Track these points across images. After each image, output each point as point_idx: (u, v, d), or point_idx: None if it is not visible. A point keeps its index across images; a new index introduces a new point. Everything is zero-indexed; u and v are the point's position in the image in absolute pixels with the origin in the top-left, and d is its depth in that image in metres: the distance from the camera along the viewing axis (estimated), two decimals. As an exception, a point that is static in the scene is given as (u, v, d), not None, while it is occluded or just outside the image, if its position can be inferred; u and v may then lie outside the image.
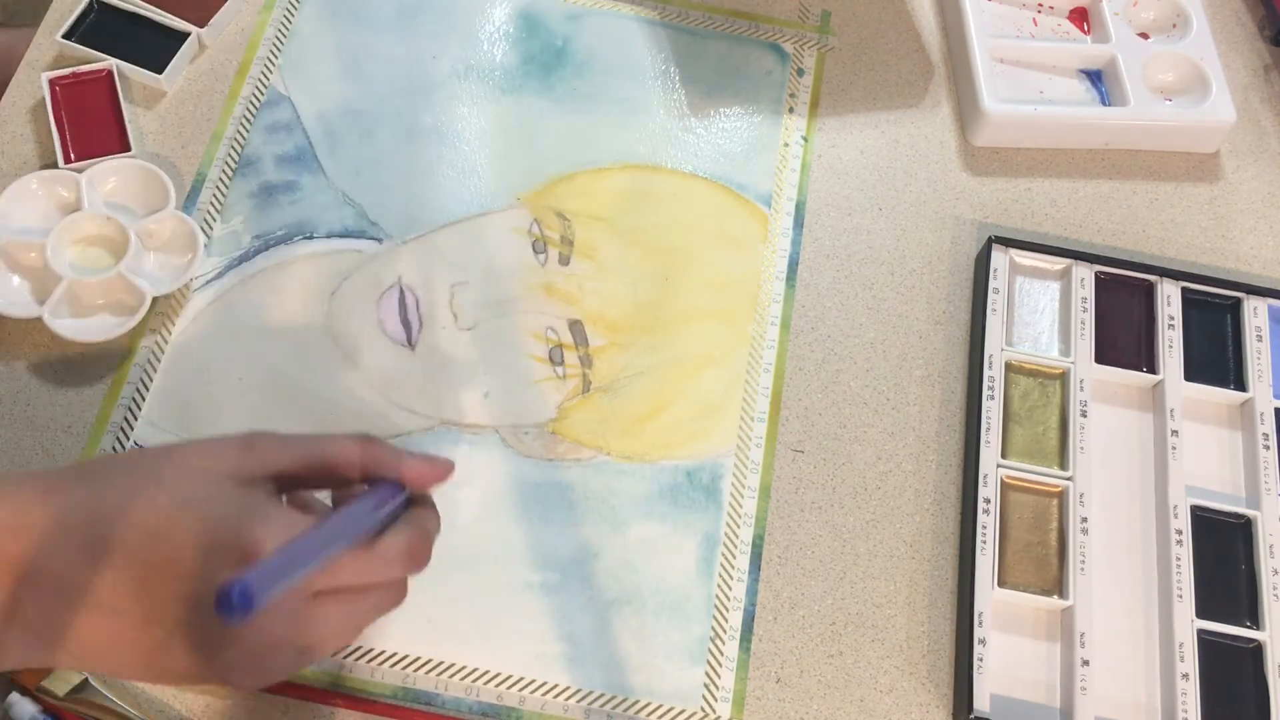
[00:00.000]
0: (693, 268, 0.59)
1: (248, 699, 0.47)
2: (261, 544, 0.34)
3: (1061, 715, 0.50)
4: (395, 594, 0.40)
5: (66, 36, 0.59)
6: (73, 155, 0.57)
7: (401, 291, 0.57)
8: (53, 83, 0.58)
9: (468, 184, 0.60)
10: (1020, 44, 0.66)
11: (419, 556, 0.39)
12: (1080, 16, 0.69)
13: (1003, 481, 0.54)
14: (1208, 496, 0.54)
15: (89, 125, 0.58)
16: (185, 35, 0.61)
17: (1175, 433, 0.55)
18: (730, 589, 0.51)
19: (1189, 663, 0.50)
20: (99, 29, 0.61)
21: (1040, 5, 0.69)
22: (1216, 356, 0.58)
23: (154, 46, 0.60)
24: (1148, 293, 0.59)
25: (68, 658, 0.35)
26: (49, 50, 0.61)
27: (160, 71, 0.60)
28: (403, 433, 0.53)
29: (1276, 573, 0.52)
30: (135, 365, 0.54)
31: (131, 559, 0.34)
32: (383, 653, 0.49)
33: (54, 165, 0.57)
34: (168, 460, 0.37)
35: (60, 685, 0.45)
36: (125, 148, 0.58)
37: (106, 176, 0.56)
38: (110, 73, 0.59)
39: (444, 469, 0.42)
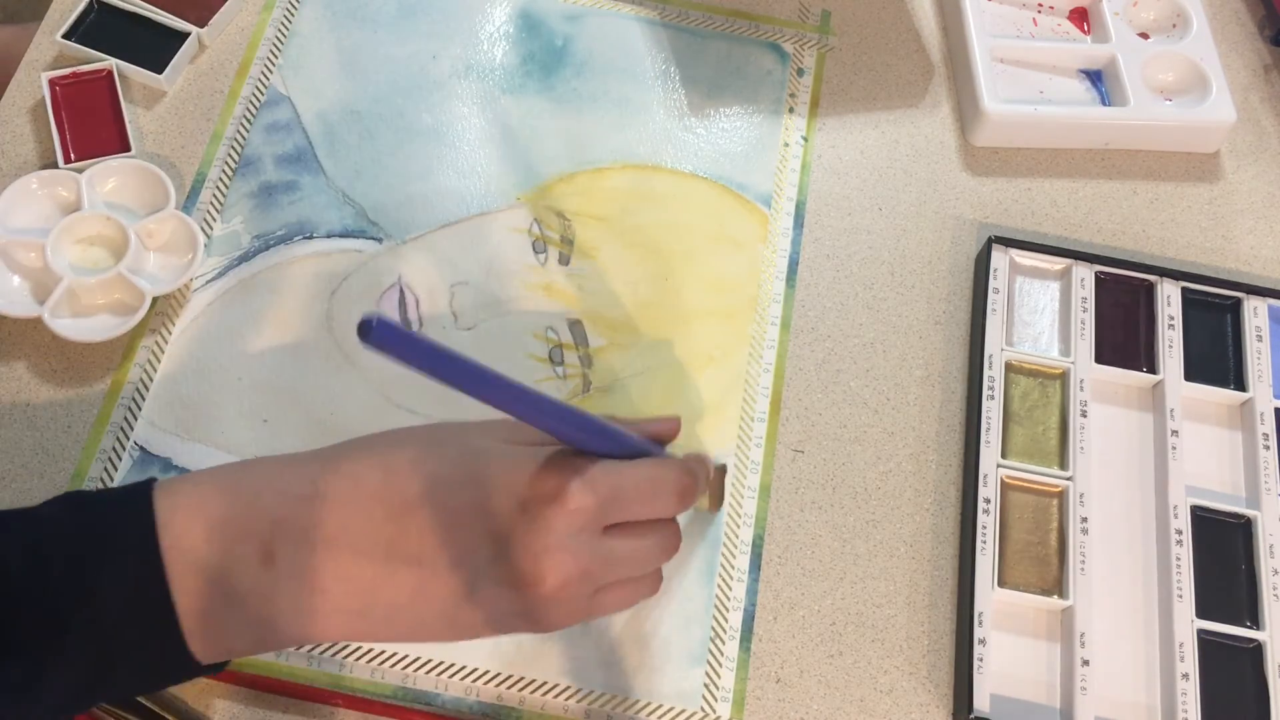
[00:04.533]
0: (693, 268, 0.59)
1: (248, 700, 0.47)
2: (550, 482, 0.35)
3: (1061, 715, 0.50)
4: (673, 539, 0.40)
5: (66, 36, 0.59)
6: (73, 155, 0.57)
7: (401, 291, 0.57)
8: (53, 83, 0.58)
9: (468, 184, 0.60)
10: (1020, 44, 0.66)
11: (689, 494, 0.39)
12: (1080, 16, 0.69)
13: (1003, 481, 0.54)
14: (1208, 496, 0.54)
15: (89, 125, 0.58)
16: (185, 35, 0.61)
17: (1175, 433, 0.55)
18: (730, 589, 0.51)
19: (1189, 663, 0.50)
20: (99, 29, 0.61)
21: (1040, 5, 0.69)
22: (1216, 356, 0.58)
23: (154, 46, 0.60)
24: (1148, 293, 0.59)
25: (374, 624, 0.36)
26: (49, 50, 0.61)
27: (160, 71, 0.60)
28: (403, 433, 0.53)
29: (1276, 573, 0.52)
30: (135, 365, 0.54)
31: (433, 507, 0.35)
32: (383, 652, 0.49)
33: (54, 165, 0.57)
34: (444, 430, 0.38)
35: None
36: (125, 148, 0.58)
37: (106, 176, 0.56)
38: (110, 73, 0.59)
39: (669, 429, 0.43)
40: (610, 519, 0.37)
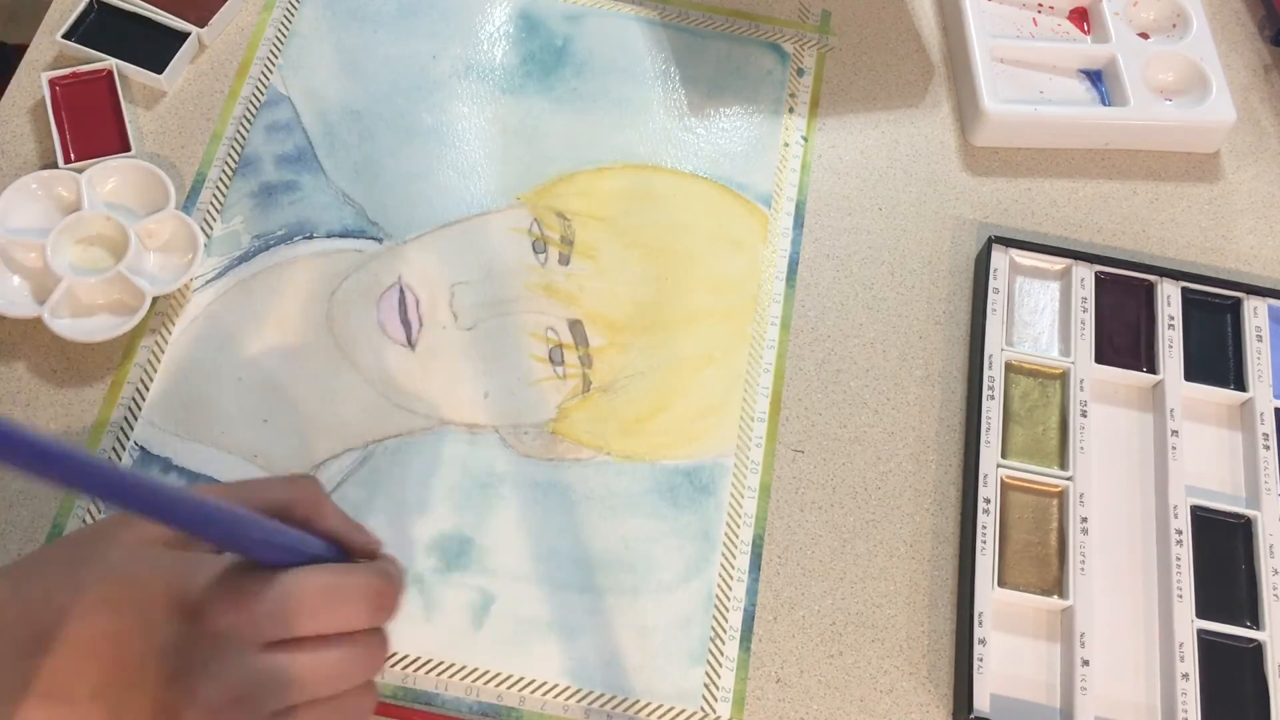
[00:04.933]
0: (693, 268, 0.59)
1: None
2: (193, 596, 0.31)
3: (1061, 715, 0.50)
4: (377, 648, 0.34)
5: (66, 36, 0.59)
6: (73, 155, 0.57)
7: (401, 291, 0.57)
8: (52, 83, 0.58)
9: (468, 184, 0.60)
10: (1020, 44, 0.66)
11: (387, 600, 0.34)
12: (1080, 16, 0.69)
13: (1003, 481, 0.54)
14: (1208, 496, 0.54)
15: (89, 125, 0.58)
16: (185, 35, 0.61)
17: (1175, 433, 0.55)
18: (730, 589, 0.51)
19: (1189, 663, 0.50)
20: (99, 29, 0.61)
21: (1040, 5, 0.69)
22: (1216, 356, 0.58)
23: (154, 46, 0.60)
24: (1148, 293, 0.59)
25: None
26: (49, 50, 0.61)
27: (160, 71, 0.60)
28: (403, 433, 0.53)
29: (1276, 573, 0.52)
30: (135, 365, 0.54)
31: (65, 639, 0.31)
32: (383, 653, 0.49)
33: (54, 165, 0.57)
34: (91, 540, 0.34)
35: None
36: (125, 148, 0.58)
37: (106, 176, 0.56)
38: (110, 73, 0.59)
39: (372, 540, 0.36)
40: (273, 634, 0.32)
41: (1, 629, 0.32)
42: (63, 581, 0.32)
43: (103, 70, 0.59)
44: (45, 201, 0.55)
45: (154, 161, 0.58)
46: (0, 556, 0.49)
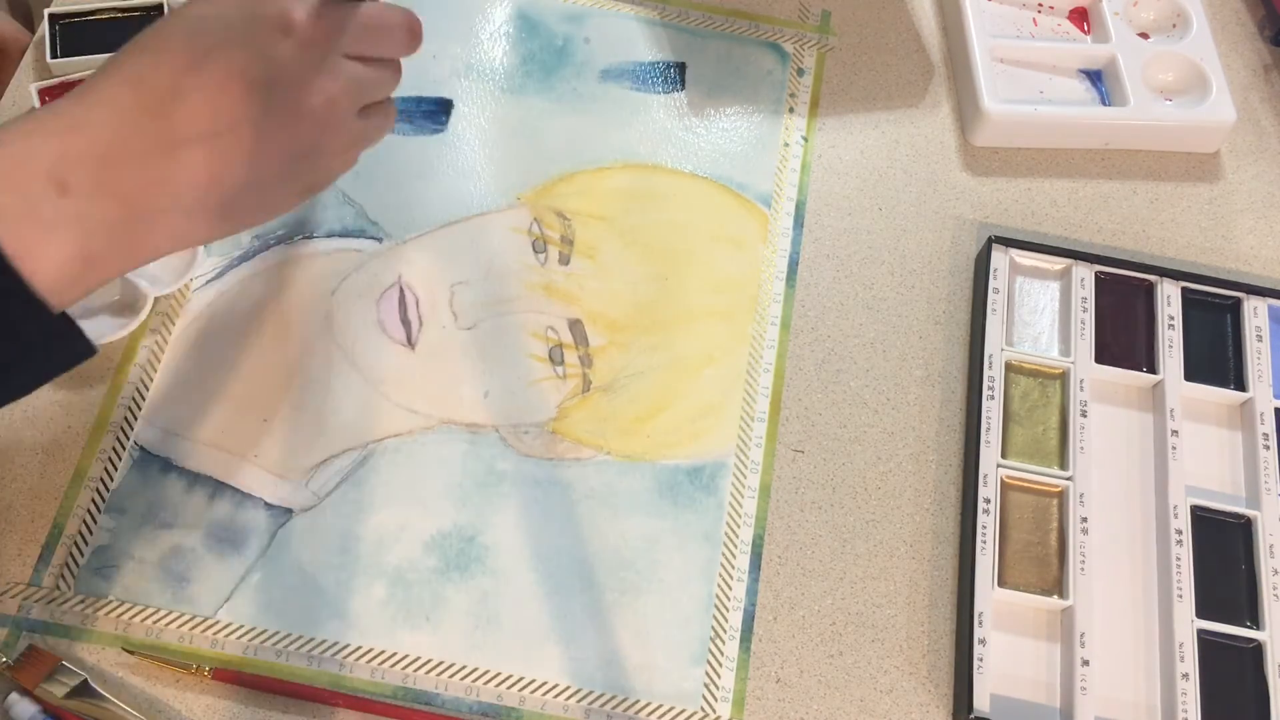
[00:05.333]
0: (693, 268, 0.59)
1: (248, 700, 0.47)
2: (290, 16, 0.38)
3: (1061, 715, 0.50)
4: (397, 73, 0.44)
5: (53, 58, 0.59)
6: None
7: (401, 291, 0.57)
8: (42, 93, 0.58)
9: (468, 184, 0.60)
10: (1020, 44, 0.66)
11: (418, 36, 0.43)
12: (1080, 16, 0.69)
13: (1003, 481, 0.54)
14: (1208, 496, 0.54)
15: None
16: (159, 7, 0.61)
17: (1175, 433, 0.55)
18: (730, 589, 0.51)
19: (1189, 663, 0.50)
20: (76, 38, 0.60)
21: (1040, 5, 0.69)
22: (1216, 356, 0.58)
23: (137, 29, 0.60)
24: (1148, 293, 0.59)
25: (187, 217, 0.38)
26: (41, 69, 0.61)
27: None
28: (403, 433, 0.53)
29: (1276, 573, 0.52)
30: (136, 365, 0.54)
31: (193, 88, 0.36)
32: (383, 653, 0.49)
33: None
34: (175, 17, 0.39)
35: (60, 687, 0.46)
36: None
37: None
38: None
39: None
40: (349, 48, 0.40)
41: (129, 104, 0.36)
42: (166, 43, 0.37)
43: None
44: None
45: (154, 161, 0.58)
46: (0, 556, 0.49)
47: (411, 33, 0.43)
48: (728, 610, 0.51)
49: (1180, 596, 0.51)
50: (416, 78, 0.63)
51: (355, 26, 0.40)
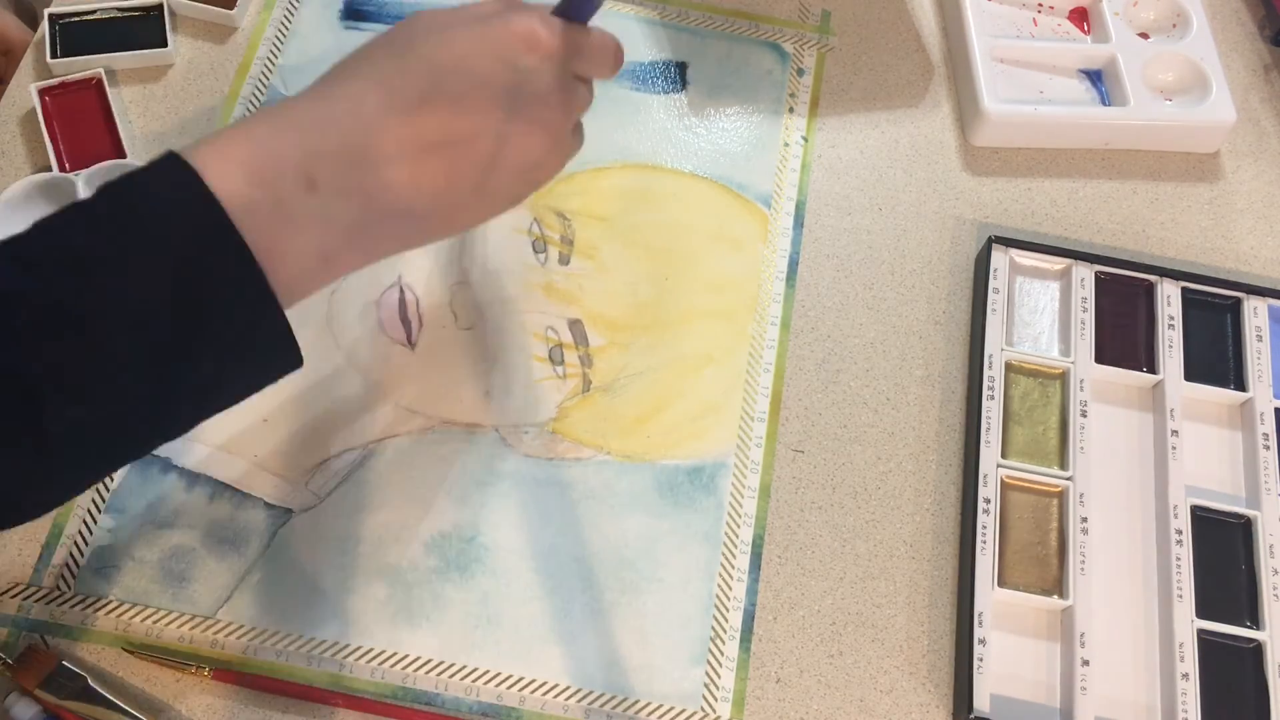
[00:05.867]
0: (693, 268, 0.59)
1: (248, 700, 0.47)
2: (533, 37, 0.38)
3: (1061, 715, 0.50)
4: (590, 96, 0.44)
5: (54, 58, 0.59)
6: (67, 165, 0.57)
7: (401, 291, 0.57)
8: (42, 93, 0.58)
9: (468, 184, 0.60)
10: (1020, 44, 0.66)
11: (620, 54, 0.44)
12: (1080, 16, 0.69)
13: (1003, 481, 0.54)
14: (1208, 496, 0.54)
15: (82, 134, 0.58)
16: (159, 7, 0.61)
17: (1175, 433, 0.55)
18: (730, 589, 0.51)
19: (1189, 663, 0.50)
20: (76, 39, 0.60)
21: (1040, 5, 0.69)
22: (1216, 356, 0.58)
23: (138, 31, 0.60)
24: (1148, 293, 0.59)
25: (421, 221, 0.38)
26: (41, 69, 0.61)
27: (165, 46, 0.60)
28: (402, 433, 0.53)
29: (1276, 573, 0.52)
30: (135, 365, 0.54)
31: (439, 98, 0.37)
32: (383, 652, 0.49)
33: (50, 173, 0.56)
34: (408, 28, 0.39)
35: (60, 687, 0.46)
36: (120, 154, 0.57)
37: (104, 178, 0.56)
38: (99, 79, 0.59)
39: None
40: (582, 70, 0.42)
41: (376, 108, 0.36)
42: (412, 54, 0.38)
43: (92, 78, 0.59)
44: (44, 207, 0.55)
45: (154, 161, 0.58)
46: (0, 557, 0.49)
47: (619, 58, 0.44)
48: (728, 610, 0.51)
49: (1180, 596, 0.51)
50: (416, 78, 0.62)
51: (586, 48, 0.41)
